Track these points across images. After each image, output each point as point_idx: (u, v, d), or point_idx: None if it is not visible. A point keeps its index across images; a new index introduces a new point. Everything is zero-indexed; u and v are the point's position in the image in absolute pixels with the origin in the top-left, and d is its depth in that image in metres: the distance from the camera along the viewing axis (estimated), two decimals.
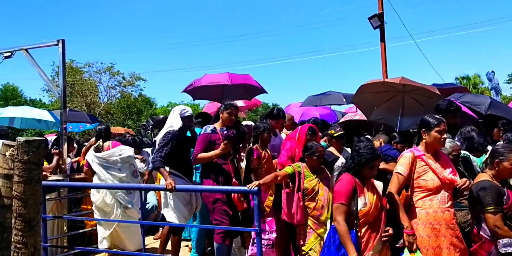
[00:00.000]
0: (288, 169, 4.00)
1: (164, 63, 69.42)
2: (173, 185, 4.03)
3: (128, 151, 5.10)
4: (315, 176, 4.02)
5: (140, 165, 6.18)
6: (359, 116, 6.75)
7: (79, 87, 28.95)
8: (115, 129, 10.25)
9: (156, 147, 4.45)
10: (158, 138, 4.61)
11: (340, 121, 7.42)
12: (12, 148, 2.77)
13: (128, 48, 67.10)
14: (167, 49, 71.88)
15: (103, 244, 4.91)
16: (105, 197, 4.92)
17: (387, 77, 12.04)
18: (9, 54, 5.20)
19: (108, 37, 68.16)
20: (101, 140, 5.21)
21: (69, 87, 27.77)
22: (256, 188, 3.48)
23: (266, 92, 7.19)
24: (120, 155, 5.01)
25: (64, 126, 5.10)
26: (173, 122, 4.54)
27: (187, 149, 4.61)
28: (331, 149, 4.70)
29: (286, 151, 4.48)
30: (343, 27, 76.40)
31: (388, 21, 12.25)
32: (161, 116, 6.48)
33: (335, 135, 4.64)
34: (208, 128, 4.29)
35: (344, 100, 9.67)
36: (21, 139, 2.78)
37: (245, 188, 3.69)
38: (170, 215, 4.42)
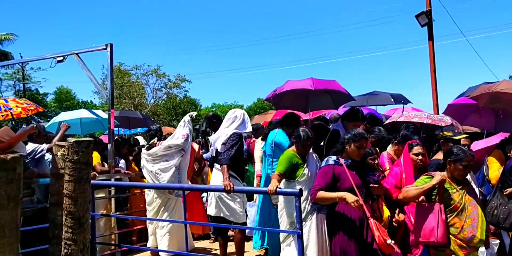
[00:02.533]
0: (427, 179, 3.45)
1: (208, 64, 70.41)
2: (232, 186, 4.00)
3: (167, 143, 5.16)
4: (459, 187, 3.38)
5: None
6: (404, 118, 6.40)
7: (127, 89, 29.94)
8: (165, 129, 10.49)
9: (221, 147, 4.54)
10: (212, 138, 4.73)
11: (386, 122, 7.13)
12: (63, 149, 2.89)
13: (173, 50, 68.61)
14: (212, 50, 72.84)
15: (148, 242, 5.04)
16: (148, 196, 5.03)
17: (435, 77, 11.63)
18: (61, 58, 5.44)
19: (154, 40, 69.99)
20: (155, 138, 5.40)
21: (117, 89, 28.77)
22: (297, 189, 3.43)
23: (354, 100, 6.59)
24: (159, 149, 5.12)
25: (112, 127, 5.26)
26: (240, 127, 4.63)
27: (241, 151, 4.66)
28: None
29: (393, 178, 4.03)
30: (388, 26, 74.43)
31: (436, 19, 11.81)
32: (211, 113, 6.39)
33: (455, 138, 4.44)
34: (331, 159, 3.67)
35: (392, 100, 9.26)
36: (71, 139, 2.90)
37: (287, 190, 3.67)
38: (230, 216, 4.49)
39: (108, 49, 5.20)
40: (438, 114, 10.06)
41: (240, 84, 71.82)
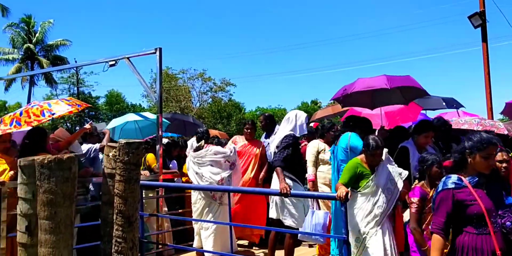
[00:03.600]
0: None
1: (253, 68, 70.95)
2: (288, 189, 3.81)
3: (215, 148, 5.23)
4: None
5: None
6: (454, 124, 5.94)
7: (174, 92, 30.72)
8: (212, 132, 10.58)
9: (275, 149, 4.47)
10: (269, 141, 4.72)
11: None
12: (114, 149, 2.99)
13: (219, 54, 69.63)
14: (257, 54, 73.39)
15: (194, 242, 5.11)
16: (193, 196, 5.11)
17: (489, 80, 11.10)
18: (113, 62, 5.64)
19: (201, 44, 71.40)
20: (202, 141, 5.50)
21: (165, 93, 29.53)
22: (344, 194, 3.34)
23: (429, 95, 5.91)
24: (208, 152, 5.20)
25: (160, 129, 5.39)
26: (296, 129, 4.51)
27: (300, 153, 4.58)
28: None
29: None
30: (440, 27, 71.96)
31: (490, 19, 11.28)
32: (266, 114, 6.38)
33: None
34: (449, 181, 2.75)
35: (444, 104, 8.85)
36: (122, 141, 2.99)
37: (331, 194, 3.62)
38: (288, 220, 4.33)
39: (157, 53, 5.34)
40: (492, 118, 9.55)
41: (284, 88, 71.75)
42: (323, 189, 5.09)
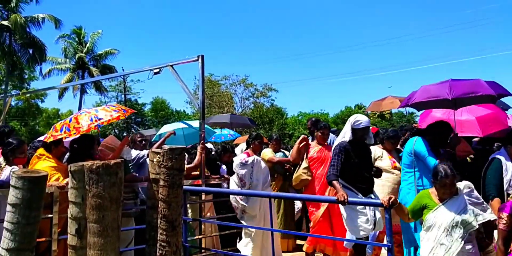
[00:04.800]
0: None
1: (295, 73, 70.87)
2: (346, 197, 3.56)
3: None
4: None
5: None
6: None
7: (216, 98, 31.18)
8: (240, 139, 10.64)
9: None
10: None
11: None
12: (158, 155, 3.07)
13: (260, 60, 70.18)
14: (299, 59, 73.25)
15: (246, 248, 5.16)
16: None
17: None
18: (158, 70, 5.80)
19: (242, 51, 72.24)
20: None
21: (208, 99, 30.02)
22: (389, 200, 3.25)
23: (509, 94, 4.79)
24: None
25: (203, 135, 5.47)
26: (345, 133, 4.35)
27: (364, 161, 4.27)
28: None
29: None
30: (485, 28, 68.97)
31: None
32: (313, 119, 6.43)
33: None
34: None
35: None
36: (166, 147, 3.07)
37: (376, 200, 3.52)
38: (348, 231, 4.17)
39: (200, 60, 5.43)
40: None
41: (327, 92, 71.18)
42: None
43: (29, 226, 2.44)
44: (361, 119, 4.26)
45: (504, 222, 3.14)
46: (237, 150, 6.86)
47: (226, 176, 6.09)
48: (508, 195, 3.60)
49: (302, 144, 5.46)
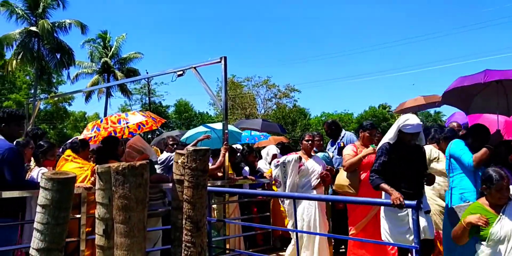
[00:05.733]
0: None
1: (317, 73, 70.49)
2: (401, 199, 3.25)
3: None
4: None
5: None
6: None
7: (239, 100, 31.32)
8: (276, 139, 10.60)
9: None
10: None
11: None
12: (183, 156, 3.10)
13: (283, 60, 70.07)
14: (321, 59, 72.87)
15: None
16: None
17: None
18: (181, 72, 5.86)
19: (264, 52, 72.30)
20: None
21: (230, 101, 30.16)
22: (415, 201, 3.18)
23: None
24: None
25: (226, 136, 5.49)
26: (390, 134, 3.93)
27: (411, 164, 3.85)
28: None
29: None
30: (508, 26, 67.06)
31: None
32: (330, 120, 6.26)
33: None
34: None
35: None
36: (190, 148, 3.09)
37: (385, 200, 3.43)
38: (383, 236, 3.92)
39: (222, 62, 5.46)
40: None
41: (350, 92, 70.50)
42: (438, 203, 4.62)
43: (58, 227, 2.49)
44: (412, 122, 3.75)
45: None
46: (263, 152, 6.89)
47: (249, 177, 6.11)
48: None
49: (367, 155, 4.70)
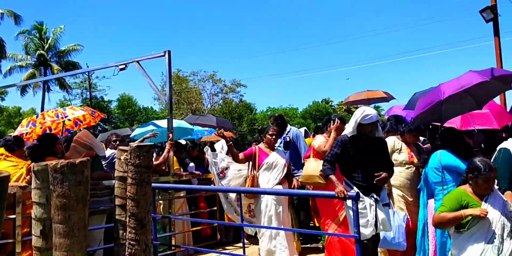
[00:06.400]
0: None
1: (263, 69, 71.03)
2: (346, 192, 3.35)
3: None
4: None
5: None
6: None
7: (185, 95, 30.89)
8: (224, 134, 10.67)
9: None
10: None
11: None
12: (126, 153, 3.02)
13: (229, 55, 69.94)
14: (267, 55, 73.43)
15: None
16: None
17: None
18: (124, 66, 5.69)
19: (210, 46, 71.75)
20: None
21: (176, 95, 29.69)
22: (355, 193, 3.32)
23: None
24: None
25: (171, 131, 5.42)
26: (348, 127, 3.94)
27: (369, 157, 3.82)
28: None
29: None
30: (452, 22, 71.27)
31: (502, 14, 11.13)
32: (277, 114, 6.30)
33: None
34: None
35: None
36: (133, 144, 3.02)
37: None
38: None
39: (166, 56, 5.37)
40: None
41: (295, 87, 71.77)
42: (397, 193, 4.63)
43: None
44: (369, 112, 3.80)
45: None
46: (217, 146, 6.89)
47: (197, 172, 6.09)
48: None
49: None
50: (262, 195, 4.89)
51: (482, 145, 4.76)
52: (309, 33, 74.48)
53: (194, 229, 5.83)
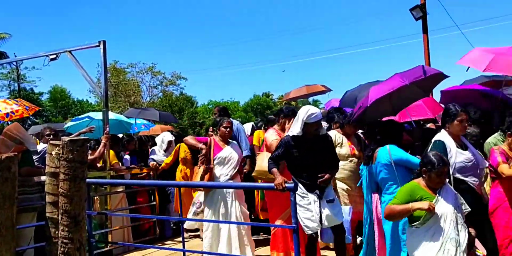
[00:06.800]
0: None
1: (204, 61, 70.38)
2: (284, 184, 3.45)
3: None
4: None
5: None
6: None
7: (122, 87, 29.91)
8: (163, 128, 10.44)
9: None
10: None
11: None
12: (57, 147, 2.89)
13: (169, 48, 68.46)
14: (208, 47, 72.71)
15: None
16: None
17: None
18: (54, 56, 5.40)
19: (149, 38, 69.82)
20: None
21: (113, 88, 28.71)
22: (293, 184, 3.43)
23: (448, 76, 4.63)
24: None
25: (107, 125, 5.25)
26: (295, 129, 3.91)
27: (313, 155, 3.88)
28: None
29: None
30: (384, 19, 74.50)
31: (431, 12, 11.83)
32: (221, 106, 6.34)
33: None
34: None
35: None
36: (66, 138, 2.90)
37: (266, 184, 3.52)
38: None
39: (101, 46, 5.18)
40: None
41: (236, 81, 71.90)
42: (341, 186, 4.69)
43: None
44: (313, 111, 3.82)
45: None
46: (157, 139, 6.77)
47: (133, 166, 5.96)
48: (455, 180, 3.52)
49: None
50: (214, 190, 4.80)
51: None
52: (249, 27, 74.80)
53: (132, 224, 5.70)
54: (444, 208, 3.04)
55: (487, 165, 3.84)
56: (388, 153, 3.86)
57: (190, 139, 5.18)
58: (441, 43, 64.65)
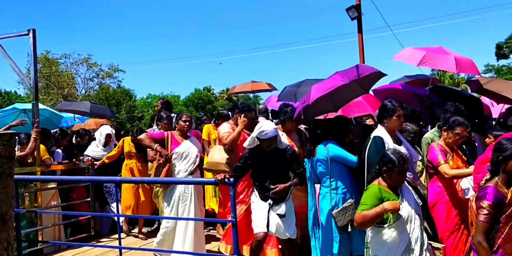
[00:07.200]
0: None
1: (143, 54, 68.51)
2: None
3: None
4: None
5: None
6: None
7: (55, 78, 28.38)
8: (99, 121, 10.04)
9: None
10: None
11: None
12: None
13: (105, 39, 65.90)
14: (147, 39, 70.86)
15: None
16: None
17: None
18: None
19: (84, 29, 66.76)
20: None
21: (45, 79, 27.22)
22: (232, 179, 3.47)
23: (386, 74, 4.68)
24: None
25: (37, 119, 4.99)
26: (248, 142, 3.96)
27: (269, 169, 3.89)
28: None
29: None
30: (321, 18, 76.67)
31: (365, 12, 12.33)
32: (165, 99, 6.21)
33: None
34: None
35: None
36: None
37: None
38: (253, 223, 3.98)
39: (31, 34, 4.90)
40: None
41: (177, 74, 70.78)
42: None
43: None
44: (266, 128, 3.77)
45: (486, 212, 2.61)
46: (96, 134, 6.53)
47: (65, 161, 5.73)
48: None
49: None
50: (172, 186, 4.69)
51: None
52: (190, 22, 73.79)
53: (64, 222, 5.48)
54: (408, 208, 2.98)
55: (420, 158, 4.05)
56: (326, 149, 4.01)
57: (145, 139, 4.74)
58: (375, 43, 67.61)
